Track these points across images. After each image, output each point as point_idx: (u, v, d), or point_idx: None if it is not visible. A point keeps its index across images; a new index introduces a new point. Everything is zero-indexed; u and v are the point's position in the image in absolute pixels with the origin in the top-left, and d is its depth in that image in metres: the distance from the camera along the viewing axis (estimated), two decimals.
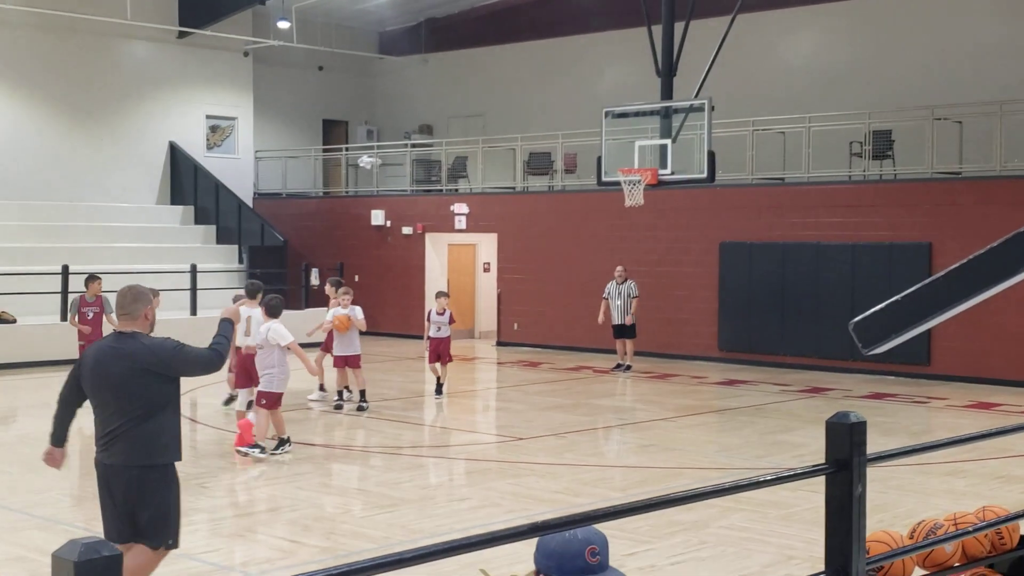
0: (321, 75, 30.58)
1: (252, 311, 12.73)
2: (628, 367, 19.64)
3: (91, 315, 16.46)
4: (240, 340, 12.63)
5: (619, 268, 19.85)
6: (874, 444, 3.92)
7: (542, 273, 23.58)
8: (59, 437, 6.51)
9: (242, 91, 28.43)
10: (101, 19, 25.06)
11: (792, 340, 20.18)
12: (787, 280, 20.23)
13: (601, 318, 19.70)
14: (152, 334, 6.40)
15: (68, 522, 9.13)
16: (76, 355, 15.47)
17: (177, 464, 6.36)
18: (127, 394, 6.21)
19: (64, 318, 20.50)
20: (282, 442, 11.96)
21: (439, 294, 16.79)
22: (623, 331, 19.72)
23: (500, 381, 19.83)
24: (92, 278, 16.59)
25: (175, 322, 22.06)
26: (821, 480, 3.89)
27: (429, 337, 16.30)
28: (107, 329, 15.63)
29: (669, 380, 18.89)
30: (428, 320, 16.38)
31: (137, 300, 6.35)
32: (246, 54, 28.37)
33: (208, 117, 27.94)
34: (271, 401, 11.81)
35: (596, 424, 14.76)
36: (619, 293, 19.62)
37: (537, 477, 11.06)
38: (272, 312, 12.06)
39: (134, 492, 6.25)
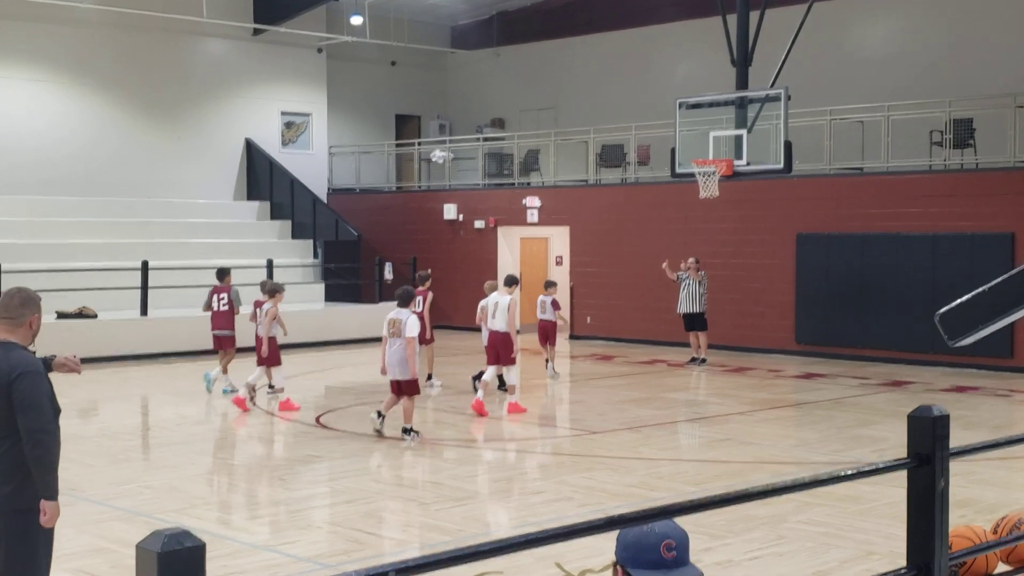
0: (394, 70, 30.75)
1: (501, 298, 14.80)
2: (703, 360, 19.49)
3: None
4: (489, 323, 14.85)
5: (691, 259, 19.69)
6: (956, 438, 3.85)
7: (615, 266, 23.48)
8: None
9: (316, 87, 28.71)
10: (177, 17, 25.44)
11: (871, 333, 19.87)
12: (866, 272, 19.93)
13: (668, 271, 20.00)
14: (32, 347, 5.52)
15: (149, 514, 9.28)
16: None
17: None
18: None
19: (144, 312, 20.89)
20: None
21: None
22: (694, 323, 19.57)
23: (573, 375, 19.78)
24: (225, 272, 16.98)
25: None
26: (901, 475, 3.82)
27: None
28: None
29: (745, 374, 18.72)
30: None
31: (25, 304, 5.45)
32: (320, 50, 28.62)
33: (283, 114, 28.26)
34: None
35: (671, 418, 14.67)
36: (689, 283, 19.47)
37: (611, 471, 11.02)
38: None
39: None
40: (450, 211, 26.40)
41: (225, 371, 16.07)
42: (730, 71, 17.92)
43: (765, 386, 17.33)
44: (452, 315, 25.71)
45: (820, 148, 20.85)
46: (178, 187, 26.27)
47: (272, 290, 15.11)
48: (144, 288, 20.88)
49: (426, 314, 15.85)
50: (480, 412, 14.19)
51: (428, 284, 16.75)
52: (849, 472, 3.85)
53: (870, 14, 24.01)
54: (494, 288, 15.37)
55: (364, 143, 29.70)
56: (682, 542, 2.91)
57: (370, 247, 26.90)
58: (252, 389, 14.85)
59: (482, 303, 15.45)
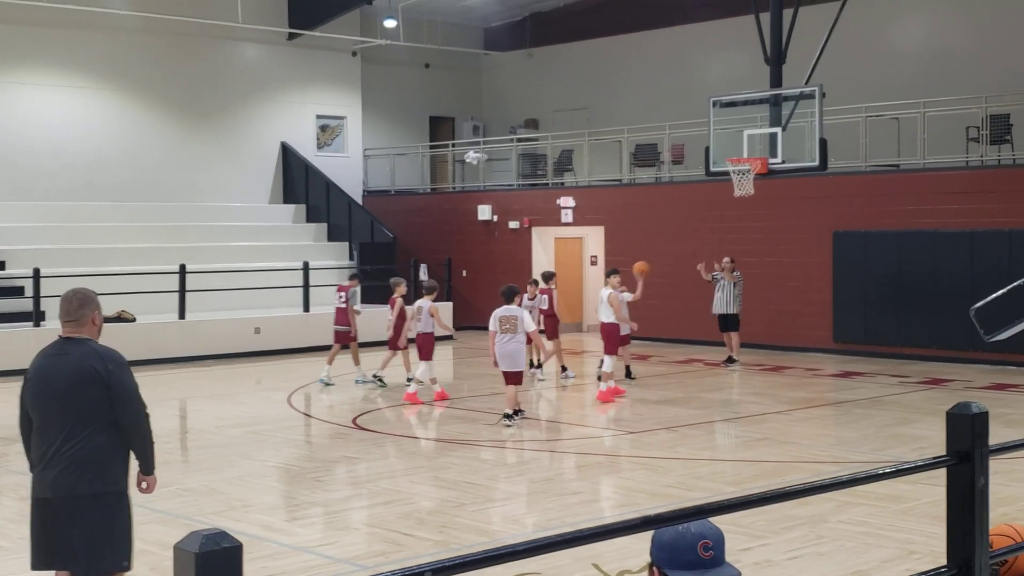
0: (427, 72, 30.83)
1: (603, 291, 16.01)
2: (734, 360, 19.40)
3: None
4: (603, 316, 15.81)
5: (726, 259, 19.48)
6: (997, 436, 3.81)
7: (650, 265, 23.37)
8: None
9: (351, 90, 28.82)
10: (213, 22, 25.63)
11: (910, 330, 19.72)
12: (903, 269, 19.77)
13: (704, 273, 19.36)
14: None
15: (188, 516, 9.35)
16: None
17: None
18: (73, 407, 5.62)
19: (182, 315, 21.04)
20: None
21: (534, 282, 18.25)
22: (727, 323, 19.49)
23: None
24: (352, 277, 18.65)
25: (288, 319, 22.49)
26: (941, 473, 3.79)
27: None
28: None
29: (782, 373, 18.62)
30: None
31: (84, 305, 5.76)
32: (354, 54, 28.73)
33: (318, 117, 28.38)
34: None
35: (708, 418, 14.61)
36: (724, 283, 19.30)
37: (649, 471, 11.00)
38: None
39: (71, 525, 5.60)
40: (484, 212, 26.43)
41: (356, 363, 17.56)
42: (764, 69, 17.84)
43: (803, 385, 17.24)
44: (488, 316, 25.71)
45: (855, 145, 20.71)
46: (215, 191, 26.45)
47: (430, 288, 16.26)
48: (182, 291, 21.04)
49: (556, 310, 17.96)
50: (606, 400, 15.39)
51: (552, 283, 18.23)
52: (888, 470, 3.82)
53: (904, 10, 23.82)
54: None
55: (398, 145, 29.78)
56: (718, 541, 2.91)
57: (405, 248, 26.96)
58: (419, 382, 15.82)
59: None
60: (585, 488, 10.39)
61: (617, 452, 12.09)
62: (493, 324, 13.66)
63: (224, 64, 26.76)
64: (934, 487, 8.59)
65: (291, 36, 27.43)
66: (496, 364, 13.65)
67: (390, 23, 27.83)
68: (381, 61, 29.46)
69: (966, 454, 3.67)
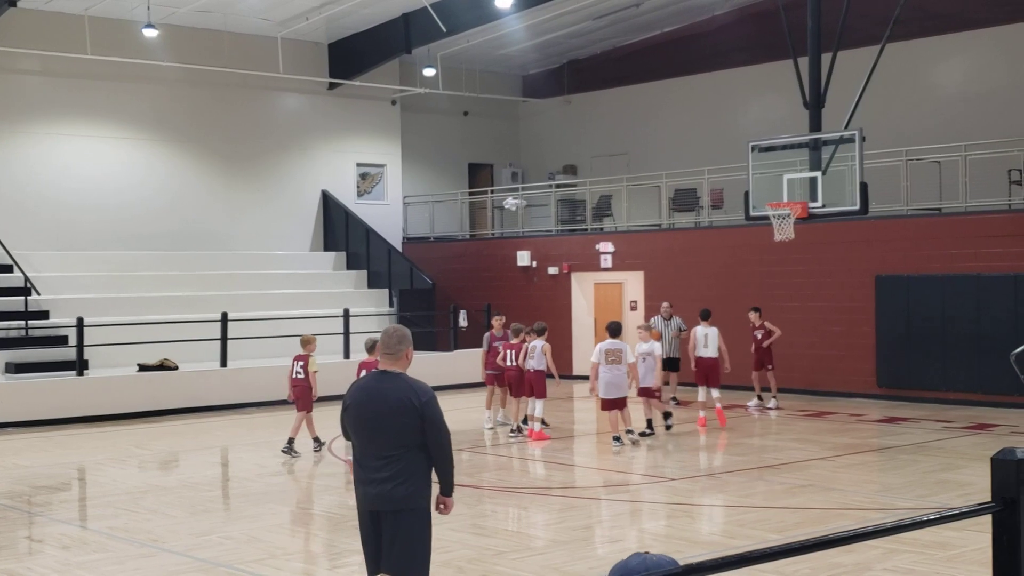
0: (466, 120, 31.06)
1: (708, 330, 17.41)
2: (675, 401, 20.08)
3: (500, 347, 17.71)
4: (700, 351, 17.44)
5: (665, 304, 20.34)
6: None
7: (689, 310, 23.27)
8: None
9: (390, 139, 29.07)
10: (255, 73, 25.98)
11: (954, 375, 19.49)
12: (947, 313, 19.58)
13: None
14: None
15: (229, 564, 9.35)
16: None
17: (350, 504, 6.40)
18: (387, 433, 6.35)
19: (224, 363, 21.17)
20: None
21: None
22: (670, 366, 19.86)
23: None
24: (496, 315, 19.00)
25: (329, 366, 22.56)
26: (988, 519, 3.73)
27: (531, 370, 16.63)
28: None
29: (826, 418, 18.44)
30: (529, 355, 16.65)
31: (401, 341, 6.51)
32: (394, 102, 29.01)
33: (358, 165, 28.64)
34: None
35: (751, 464, 14.48)
36: (667, 328, 19.97)
37: (690, 519, 10.90)
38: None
39: (390, 534, 6.42)
40: (523, 258, 26.49)
41: (503, 405, 17.88)
42: (803, 113, 17.83)
43: (847, 430, 17.05)
44: None
45: (897, 189, 20.61)
46: (257, 239, 26.70)
47: (541, 329, 16.78)
48: (224, 339, 21.17)
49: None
50: (702, 424, 17.02)
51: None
52: (932, 517, 3.77)
53: (944, 53, 23.76)
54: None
55: (438, 192, 29.97)
56: None
57: (445, 295, 27.05)
58: (544, 423, 16.63)
59: (694, 333, 17.93)
60: (626, 536, 10.30)
61: (658, 499, 11.99)
62: (597, 355, 15.00)
63: (266, 114, 27.09)
64: (980, 533, 8.45)
65: (331, 86, 27.75)
66: (593, 390, 15.07)
67: (429, 72, 28.11)
68: (420, 109, 29.72)
69: (1012, 500, 3.61)
